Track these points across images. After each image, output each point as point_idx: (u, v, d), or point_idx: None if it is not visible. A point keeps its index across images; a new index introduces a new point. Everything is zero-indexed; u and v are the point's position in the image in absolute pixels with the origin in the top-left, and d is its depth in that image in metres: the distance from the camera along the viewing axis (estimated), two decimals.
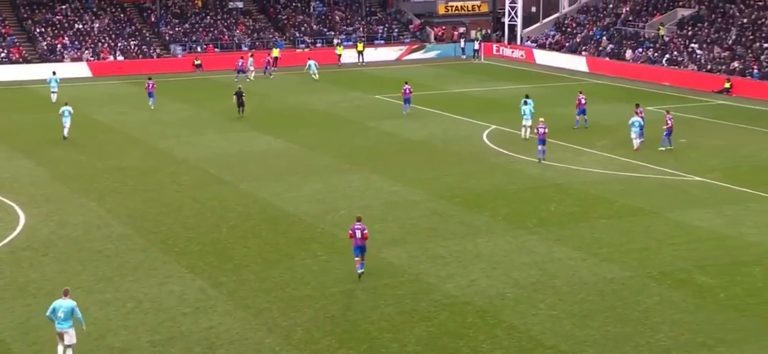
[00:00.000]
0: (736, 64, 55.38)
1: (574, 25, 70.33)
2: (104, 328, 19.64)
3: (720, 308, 20.65)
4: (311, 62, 59.09)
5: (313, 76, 57.63)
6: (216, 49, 67.49)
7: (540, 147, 34.92)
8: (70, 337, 17.58)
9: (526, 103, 39.66)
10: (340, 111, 47.55)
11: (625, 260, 23.82)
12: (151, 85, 47.97)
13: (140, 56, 64.76)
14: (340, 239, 25.67)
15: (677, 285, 22.04)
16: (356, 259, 22.46)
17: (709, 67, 56.61)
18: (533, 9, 75.08)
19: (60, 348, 17.68)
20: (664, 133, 36.96)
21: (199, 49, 67.30)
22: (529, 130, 38.40)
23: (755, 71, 53.65)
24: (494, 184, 31.95)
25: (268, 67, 60.71)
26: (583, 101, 41.72)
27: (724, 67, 55.71)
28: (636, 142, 36.69)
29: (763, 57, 54.72)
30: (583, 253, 24.40)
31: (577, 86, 51.87)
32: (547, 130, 34.99)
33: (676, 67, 58.25)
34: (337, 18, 73.27)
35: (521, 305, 20.85)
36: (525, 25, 72.49)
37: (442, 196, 30.00)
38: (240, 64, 58.24)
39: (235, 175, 33.45)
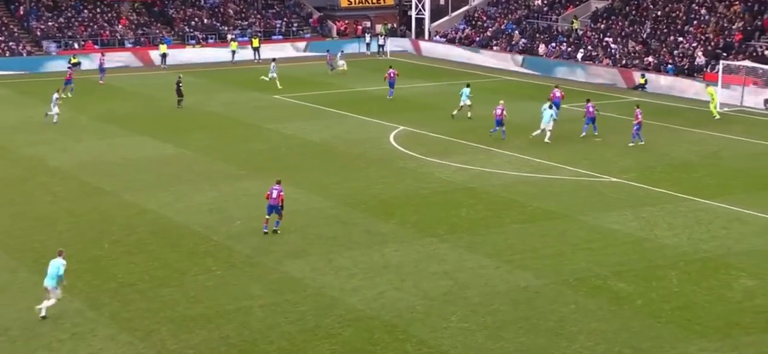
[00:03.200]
0: (650, 58, 57.42)
1: (484, 18, 71.59)
2: None
3: (636, 315, 21.35)
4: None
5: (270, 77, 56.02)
6: (96, 46, 65.85)
7: (499, 128, 39.41)
8: (54, 293, 20.99)
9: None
10: (236, 113, 47.10)
11: (539, 267, 24.37)
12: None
13: (7, 54, 62.52)
14: (235, 252, 25.42)
15: (593, 292, 22.68)
16: (266, 218, 26.53)
17: (623, 61, 58.52)
18: (442, 1, 76.05)
19: (44, 302, 20.92)
20: (634, 128, 38.60)
21: (76, 45, 65.52)
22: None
23: (670, 66, 55.74)
24: (402, 189, 32.22)
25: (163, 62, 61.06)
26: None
27: (638, 61, 57.69)
28: (544, 126, 39.62)
29: (677, 51, 56.91)
30: (495, 260, 24.84)
31: (492, 84, 52.74)
32: (504, 113, 39.59)
33: (591, 62, 59.98)
34: (231, 11, 72.56)
35: (431, 318, 21.07)
36: (433, 19, 73.37)
37: (346, 203, 30.05)
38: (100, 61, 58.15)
39: (118, 184, 32.70)
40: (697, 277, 23.74)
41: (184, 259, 24.95)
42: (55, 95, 44.37)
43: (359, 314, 21.31)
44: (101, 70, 57.05)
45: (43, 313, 20.80)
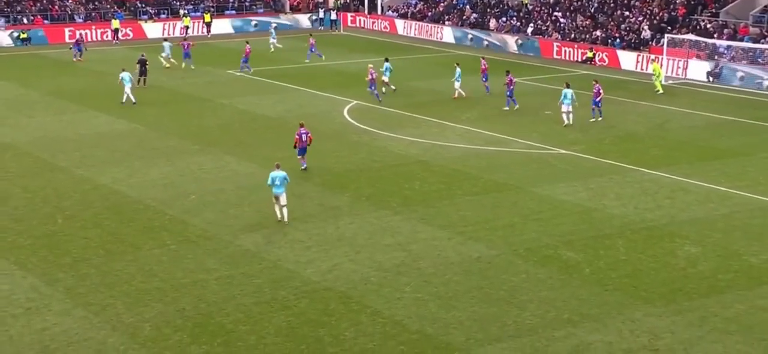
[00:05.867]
0: (598, 33, 58.01)
1: None
2: None
3: (585, 283, 21.72)
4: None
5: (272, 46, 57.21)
6: (45, 21, 64.60)
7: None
8: (284, 198, 25.35)
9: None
10: (189, 88, 46.65)
11: (490, 238, 24.64)
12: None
13: None
14: (190, 226, 25.30)
15: (543, 261, 23.00)
16: (300, 157, 30.09)
17: (572, 36, 59.03)
18: None
19: (276, 207, 25.40)
20: (593, 103, 38.54)
21: (25, 21, 64.21)
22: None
23: (617, 40, 56.38)
24: (356, 163, 32.26)
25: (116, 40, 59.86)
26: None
27: (587, 35, 58.24)
28: (457, 88, 42.43)
29: (624, 25, 57.57)
30: (448, 232, 25.05)
31: (444, 57, 52.90)
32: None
33: (541, 36, 60.43)
34: None
35: (385, 289, 21.22)
36: None
37: (301, 176, 30.02)
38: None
39: (72, 160, 32.28)
40: (643, 246, 24.19)
41: (139, 234, 24.77)
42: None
43: (314, 286, 21.38)
44: (77, 47, 55.20)
45: (285, 219, 25.10)
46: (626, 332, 19.07)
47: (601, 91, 39.10)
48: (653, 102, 43.85)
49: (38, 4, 65.64)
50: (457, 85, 43.13)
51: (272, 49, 56.95)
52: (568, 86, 38.26)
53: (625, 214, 26.66)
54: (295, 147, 30.25)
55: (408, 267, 22.54)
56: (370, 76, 42.11)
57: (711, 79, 49.85)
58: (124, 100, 41.48)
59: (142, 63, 46.25)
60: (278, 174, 25.45)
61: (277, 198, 25.41)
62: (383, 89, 43.72)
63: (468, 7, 67.61)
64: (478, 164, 32.08)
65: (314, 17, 72.77)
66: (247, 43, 53.32)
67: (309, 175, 30.38)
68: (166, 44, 52.85)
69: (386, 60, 45.35)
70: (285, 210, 25.41)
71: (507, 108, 40.71)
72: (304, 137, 29.97)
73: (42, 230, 25.06)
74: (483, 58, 45.96)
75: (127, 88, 41.56)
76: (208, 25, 66.51)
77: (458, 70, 43.48)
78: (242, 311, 20.00)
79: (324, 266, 22.54)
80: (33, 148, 34.02)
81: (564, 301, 20.62)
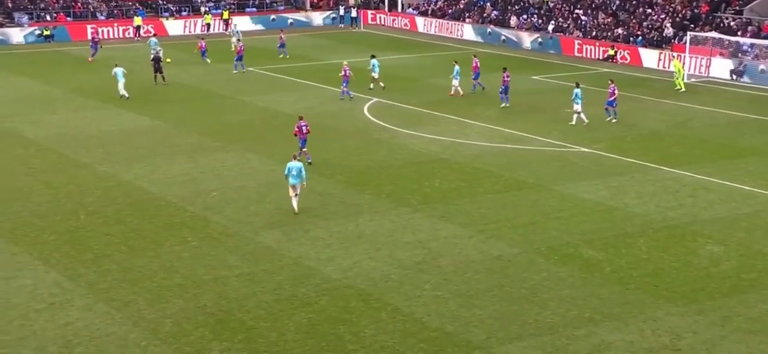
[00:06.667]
0: (620, 30, 57.67)
1: None
2: None
3: (606, 282, 21.62)
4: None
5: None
6: (68, 18, 65.04)
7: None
8: (298, 188, 25.95)
9: (577, 86, 38.40)
10: (209, 85, 46.82)
11: (511, 236, 24.56)
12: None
13: None
14: (212, 223, 25.40)
15: (564, 260, 22.91)
16: (304, 150, 30.68)
17: (594, 33, 58.74)
18: None
19: (293, 198, 25.93)
20: (609, 103, 38.05)
21: (48, 17, 64.68)
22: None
23: (639, 38, 56.04)
24: (377, 160, 32.26)
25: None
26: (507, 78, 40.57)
27: (609, 33, 57.93)
28: (455, 85, 42.72)
29: (646, 23, 57.20)
30: (468, 230, 25.00)
31: (461, 55, 52.79)
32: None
33: (562, 34, 60.16)
34: None
35: (406, 287, 21.21)
36: None
37: (321, 174, 30.07)
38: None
39: (94, 156, 32.49)
40: (665, 245, 24.05)
41: (161, 230, 24.88)
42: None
43: (335, 283, 21.40)
44: (93, 46, 54.38)
45: (295, 209, 25.77)
46: (648, 331, 18.97)
47: (616, 91, 38.47)
48: (675, 100, 43.56)
49: (61, 2, 66.08)
50: (455, 82, 43.17)
51: (234, 48, 54.40)
52: (577, 86, 38.03)
53: (646, 213, 26.51)
54: (295, 135, 31.19)
55: (428, 265, 22.52)
56: (343, 73, 42.26)
57: (734, 77, 49.45)
58: (120, 96, 41.90)
59: (157, 60, 46.34)
60: (294, 165, 25.98)
61: (293, 187, 25.96)
62: (371, 86, 43.77)
63: (488, 4, 67.40)
64: (499, 162, 32.00)
65: (334, 14, 72.85)
66: (240, 40, 53.51)
67: (330, 172, 30.41)
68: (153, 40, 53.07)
69: (372, 56, 45.41)
70: (296, 200, 25.95)
71: (506, 104, 40.65)
72: (304, 129, 31.01)
73: (65, 226, 25.24)
74: (474, 57, 45.66)
75: (120, 85, 42.13)
76: (226, 22, 66.70)
77: (457, 67, 43.54)
78: (263, 308, 20.06)
79: (344, 264, 22.56)
80: (56, 144, 34.27)
81: (585, 299, 20.54)
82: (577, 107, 37.32)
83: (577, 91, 37.51)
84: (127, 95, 41.91)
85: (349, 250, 23.44)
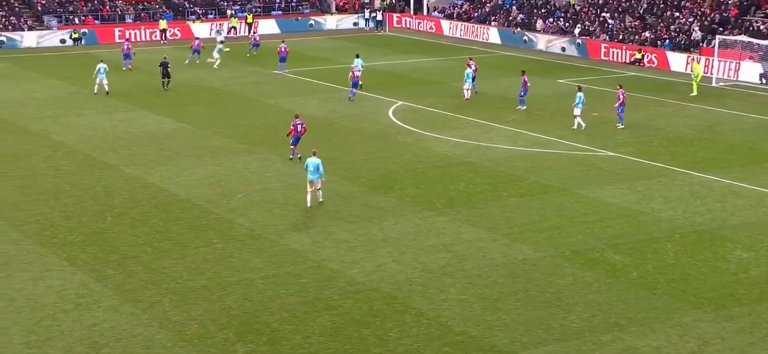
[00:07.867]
0: (647, 34, 57.27)
1: None
2: None
3: (632, 287, 21.44)
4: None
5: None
6: (96, 21, 65.61)
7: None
8: (318, 183, 26.62)
9: (578, 89, 37.89)
10: (235, 87, 47.03)
11: (536, 240, 24.44)
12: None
13: (10, 29, 62.37)
14: (236, 225, 25.49)
15: (590, 264, 22.76)
16: (292, 146, 31.40)
17: (620, 37, 58.37)
18: None
19: (308, 195, 26.50)
20: (617, 109, 37.44)
21: (77, 20, 65.30)
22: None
23: (667, 41, 55.62)
24: (401, 164, 32.24)
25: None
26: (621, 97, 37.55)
27: (636, 37, 57.55)
28: (467, 93, 42.67)
29: (673, 26, 56.76)
30: (493, 233, 24.90)
31: (489, 58, 52.68)
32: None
33: (588, 37, 59.84)
34: None
35: (430, 290, 21.16)
36: None
37: (346, 177, 30.08)
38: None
39: (121, 158, 32.72)
40: (693, 250, 23.82)
41: (186, 232, 25.01)
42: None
43: (359, 286, 21.40)
44: (126, 56, 52.34)
45: (320, 199, 26.72)
46: (675, 337, 18.79)
47: (623, 96, 37.28)
48: (702, 104, 43.18)
49: (89, 5, 66.66)
50: (466, 85, 43.05)
51: (215, 63, 53.28)
52: (580, 89, 37.76)
53: (673, 218, 26.28)
54: (288, 135, 31.64)
55: (453, 268, 22.46)
56: (352, 75, 43.46)
57: (764, 81, 48.93)
58: (96, 91, 43.76)
59: (164, 65, 45.84)
60: (313, 161, 26.45)
61: (311, 183, 26.45)
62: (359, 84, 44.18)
63: (514, 7, 67.18)
64: (523, 166, 31.87)
65: (359, 18, 72.89)
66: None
67: (354, 175, 30.44)
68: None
69: (357, 56, 45.78)
70: (320, 193, 26.77)
71: (523, 107, 40.74)
72: (299, 128, 31.45)
73: (92, 227, 25.43)
74: (470, 59, 45.60)
75: (103, 79, 43.67)
76: (250, 26, 66.95)
77: (468, 70, 43.42)
78: (287, 310, 20.09)
79: (369, 267, 22.55)
80: (83, 146, 34.56)
81: (611, 304, 20.39)
82: (577, 111, 37.11)
83: (580, 94, 37.25)
84: (106, 90, 43.65)
85: (373, 253, 23.43)
